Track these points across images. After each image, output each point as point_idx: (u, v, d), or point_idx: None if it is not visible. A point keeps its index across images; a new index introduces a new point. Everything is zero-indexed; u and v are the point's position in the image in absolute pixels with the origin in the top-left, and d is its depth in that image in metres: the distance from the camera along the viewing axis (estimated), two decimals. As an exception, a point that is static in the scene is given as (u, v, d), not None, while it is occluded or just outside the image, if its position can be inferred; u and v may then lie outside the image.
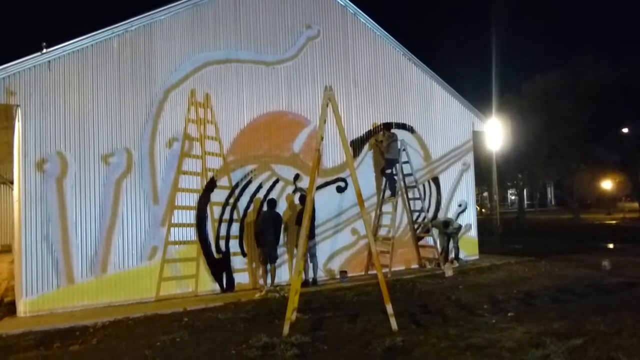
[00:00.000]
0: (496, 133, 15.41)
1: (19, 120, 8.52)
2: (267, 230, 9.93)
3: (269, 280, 9.99)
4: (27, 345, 6.55)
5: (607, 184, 41.99)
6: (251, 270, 10.28)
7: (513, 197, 60.09)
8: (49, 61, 8.63)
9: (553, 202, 60.37)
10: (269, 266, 10.02)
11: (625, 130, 33.49)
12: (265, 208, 10.37)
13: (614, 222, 29.67)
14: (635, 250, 14.71)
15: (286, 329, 6.49)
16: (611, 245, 16.60)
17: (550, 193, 61.59)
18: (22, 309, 8.23)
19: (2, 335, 7.08)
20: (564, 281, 9.89)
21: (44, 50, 8.54)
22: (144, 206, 9.33)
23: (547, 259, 13.16)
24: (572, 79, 31.01)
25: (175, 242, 9.53)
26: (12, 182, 16.04)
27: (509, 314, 7.28)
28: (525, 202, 49.46)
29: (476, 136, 14.56)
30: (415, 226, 12.90)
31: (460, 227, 12.92)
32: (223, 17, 10.39)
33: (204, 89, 10.05)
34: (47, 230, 8.48)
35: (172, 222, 9.54)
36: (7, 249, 20.70)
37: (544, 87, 31.33)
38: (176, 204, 9.60)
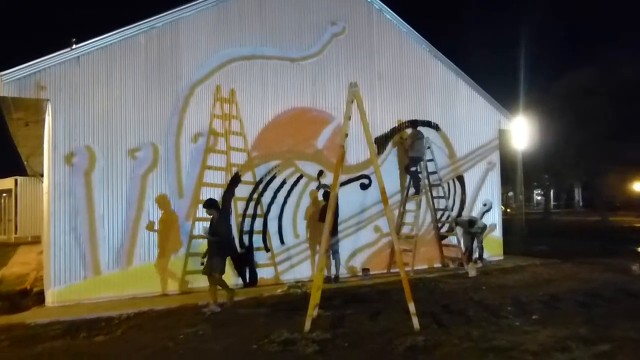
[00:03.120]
0: (523, 132, 15.12)
1: (49, 115, 8.70)
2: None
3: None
4: (54, 334, 6.70)
5: (637, 186, 40.90)
6: (274, 265, 10.32)
7: (539, 198, 59.04)
8: (78, 57, 8.79)
9: (580, 204, 59.13)
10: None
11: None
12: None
13: (643, 224, 28.90)
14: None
15: (307, 325, 6.50)
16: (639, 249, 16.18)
17: (577, 194, 60.33)
18: (50, 299, 8.42)
19: (30, 324, 7.26)
20: (590, 285, 9.67)
21: (73, 46, 8.71)
22: (170, 200, 9.44)
23: (573, 262, 12.89)
24: (602, 78, 30.25)
25: (199, 237, 9.62)
26: (42, 175, 16.41)
27: (534, 317, 7.16)
28: (552, 202, 48.57)
29: (502, 135, 14.34)
30: (439, 225, 12.78)
31: (485, 226, 12.74)
32: (248, 14, 10.43)
33: (229, 84, 10.11)
34: (74, 223, 8.66)
35: (197, 216, 9.63)
36: (37, 240, 21.24)
37: (572, 85, 30.65)
38: (201, 199, 9.69)
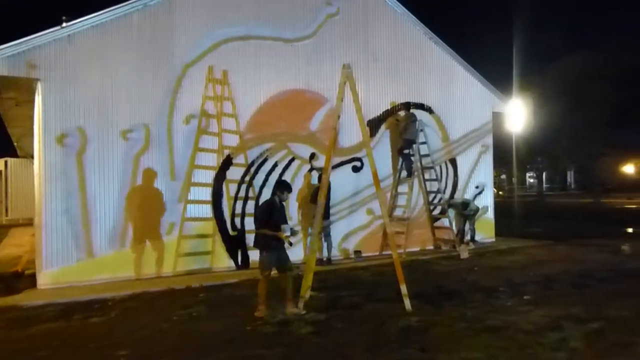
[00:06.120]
0: (517, 115, 15.12)
1: (39, 94, 8.58)
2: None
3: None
4: (48, 317, 6.70)
5: (629, 169, 41.21)
6: (267, 247, 10.31)
7: (531, 180, 59.30)
8: (69, 35, 8.64)
9: (573, 186, 59.49)
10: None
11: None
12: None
13: (634, 206, 29.17)
14: (656, 236, 14.48)
15: (301, 307, 6.54)
16: (631, 230, 16.32)
17: (570, 177, 60.66)
18: (42, 281, 8.40)
19: (23, 306, 7.25)
20: (583, 265, 9.77)
21: (64, 25, 8.55)
22: (162, 182, 9.40)
23: (566, 243, 13.01)
24: (598, 62, 30.22)
25: (191, 219, 9.60)
26: (33, 157, 16.26)
27: (527, 297, 7.22)
28: (545, 185, 48.83)
29: (496, 117, 14.31)
30: (432, 207, 12.81)
31: (477, 209, 12.78)
32: (242, -7, 10.27)
33: (222, 65, 9.99)
34: (67, 204, 8.60)
35: (189, 198, 9.59)
36: (28, 223, 21.11)
37: (568, 69, 30.62)
38: (193, 181, 9.65)
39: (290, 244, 6.62)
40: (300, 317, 6.29)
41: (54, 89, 8.54)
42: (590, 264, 9.97)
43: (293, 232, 6.60)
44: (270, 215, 6.53)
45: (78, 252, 8.67)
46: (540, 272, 9.13)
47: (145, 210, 9.24)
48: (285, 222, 6.65)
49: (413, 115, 12.10)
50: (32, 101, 9.31)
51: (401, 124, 12.03)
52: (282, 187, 6.81)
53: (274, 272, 6.70)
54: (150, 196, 9.30)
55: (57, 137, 8.56)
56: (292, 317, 6.29)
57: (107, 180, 8.94)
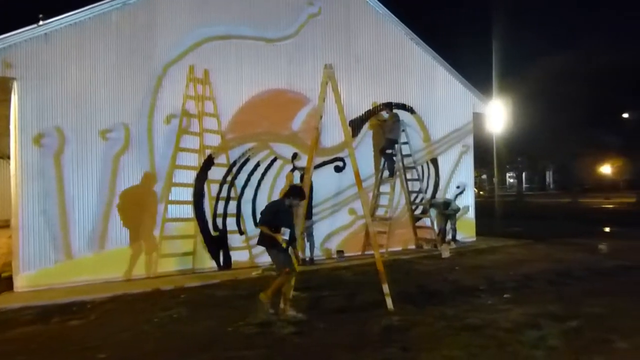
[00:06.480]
0: (497, 115, 15.30)
1: (15, 94, 8.42)
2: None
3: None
4: (25, 320, 6.58)
5: (606, 169, 41.98)
6: (249, 248, 10.28)
7: (511, 180, 60.08)
8: (46, 34, 8.49)
9: (552, 186, 60.40)
10: None
11: (625, 115, 33.35)
12: None
13: (611, 206, 29.73)
14: (632, 234, 14.78)
15: (282, 307, 6.51)
16: (608, 229, 16.64)
17: (549, 177, 61.58)
18: (19, 284, 8.24)
19: (0, 309, 7.10)
20: (561, 264, 9.92)
21: (41, 23, 8.41)
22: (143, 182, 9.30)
23: (545, 242, 13.20)
24: (576, 63, 30.78)
25: (173, 220, 9.52)
26: (9, 157, 15.94)
27: (506, 296, 7.31)
28: (524, 185, 49.49)
29: (477, 118, 14.47)
30: (413, 207, 12.89)
31: (458, 208, 12.90)
32: (223, -8, 10.22)
33: (203, 64, 9.92)
34: (45, 205, 8.45)
35: (170, 199, 9.51)
36: (6, 224, 20.69)
37: (547, 70, 31.12)
38: (174, 181, 9.56)
39: (286, 248, 6.52)
40: (281, 317, 6.26)
41: (30, 88, 8.39)
42: (568, 262, 10.13)
43: (292, 239, 6.57)
44: (274, 216, 6.51)
45: (56, 254, 8.53)
46: (519, 271, 9.25)
47: (135, 210, 9.18)
48: (288, 226, 6.59)
49: (396, 115, 12.18)
50: (8, 100, 9.14)
51: (386, 123, 12.09)
52: (294, 193, 6.74)
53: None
54: (143, 197, 9.28)
55: (34, 137, 8.41)
56: (270, 318, 6.23)
57: (86, 180, 8.81)
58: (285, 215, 6.59)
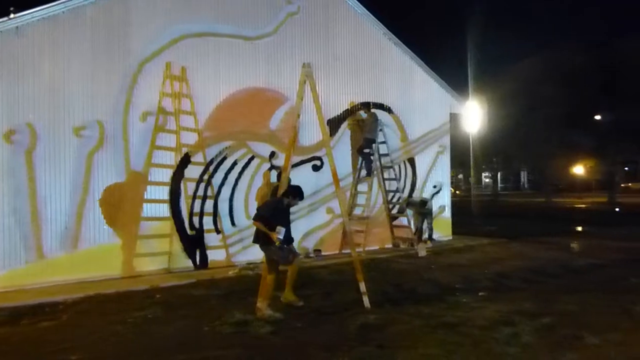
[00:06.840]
0: (473, 116, 15.51)
1: (-16, 89, 8.21)
2: None
3: None
4: (-6, 321, 6.41)
5: (579, 169, 42.87)
6: (226, 247, 10.20)
7: (487, 180, 60.91)
8: (17, 27, 8.28)
9: (526, 186, 61.42)
10: None
11: (598, 117, 34.07)
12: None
13: (583, 206, 30.36)
14: (603, 233, 15.12)
15: (264, 306, 6.46)
16: (580, 228, 16.98)
17: (523, 177, 62.61)
18: (-12, 284, 8.03)
19: (-33, 310, 6.91)
20: (535, 262, 10.09)
21: (12, 16, 8.20)
22: (117, 181, 9.14)
23: (519, 241, 13.42)
24: (551, 65, 31.31)
25: (148, 219, 9.38)
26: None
27: (481, 294, 7.41)
28: (500, 185, 50.21)
29: (453, 118, 14.62)
30: (390, 206, 12.96)
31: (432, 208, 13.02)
32: (201, -11, 10.11)
33: (181, 62, 9.80)
34: (15, 204, 8.24)
35: (146, 197, 9.37)
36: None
37: (522, 72, 31.60)
38: (149, 180, 9.43)
39: (280, 248, 6.48)
40: (268, 318, 6.19)
41: (0, 83, 8.18)
42: (541, 260, 10.31)
43: (287, 239, 6.55)
44: (272, 213, 6.47)
45: (27, 254, 8.32)
46: (494, 269, 9.38)
47: (109, 209, 9.06)
48: (284, 225, 6.53)
49: (375, 114, 12.23)
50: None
51: (365, 123, 12.13)
52: (294, 192, 6.70)
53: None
54: (118, 196, 9.15)
55: (4, 134, 8.19)
56: (247, 317, 6.18)
57: (59, 178, 8.63)
58: (282, 214, 6.59)
